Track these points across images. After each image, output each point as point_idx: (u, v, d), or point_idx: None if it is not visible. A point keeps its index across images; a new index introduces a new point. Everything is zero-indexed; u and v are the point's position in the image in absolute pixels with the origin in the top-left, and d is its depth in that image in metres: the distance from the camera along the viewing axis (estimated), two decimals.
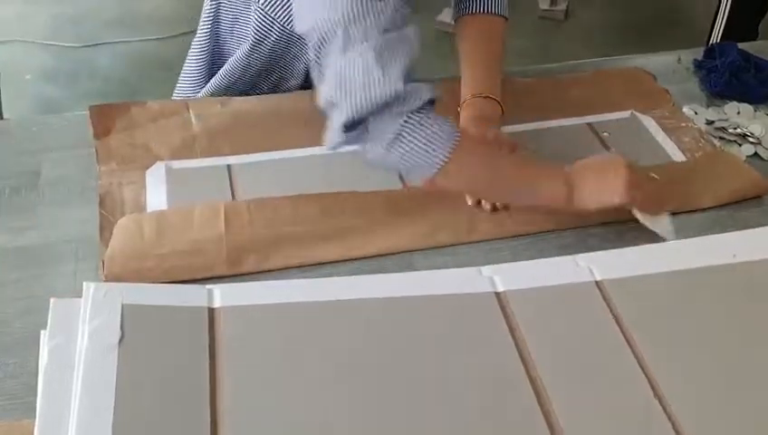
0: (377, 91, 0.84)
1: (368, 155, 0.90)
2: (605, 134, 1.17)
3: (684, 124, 1.20)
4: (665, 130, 1.18)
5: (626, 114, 1.22)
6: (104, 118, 1.10)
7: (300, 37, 1.10)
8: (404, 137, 0.87)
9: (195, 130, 1.11)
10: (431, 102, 0.89)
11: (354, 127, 0.87)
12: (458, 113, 1.12)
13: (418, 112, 0.88)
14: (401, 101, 0.86)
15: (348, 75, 0.85)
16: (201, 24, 1.23)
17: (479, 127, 1.09)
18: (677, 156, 1.13)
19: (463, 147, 0.90)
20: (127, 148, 1.06)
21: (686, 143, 1.16)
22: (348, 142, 0.89)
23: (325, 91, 0.87)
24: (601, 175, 0.97)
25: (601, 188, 0.96)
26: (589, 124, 1.19)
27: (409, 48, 0.88)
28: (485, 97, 1.13)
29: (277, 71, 1.22)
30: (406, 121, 0.87)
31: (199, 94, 1.25)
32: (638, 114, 1.21)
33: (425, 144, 0.88)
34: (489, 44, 1.19)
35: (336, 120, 0.87)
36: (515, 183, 0.97)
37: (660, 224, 0.99)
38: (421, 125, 0.87)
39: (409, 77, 0.87)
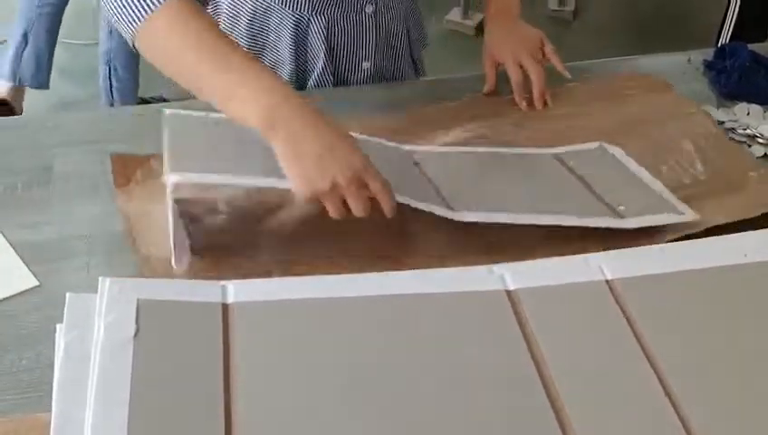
0: None
1: None
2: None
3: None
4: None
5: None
6: (125, 168, 1.07)
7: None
8: None
9: None
10: None
11: None
12: None
13: None
14: None
15: None
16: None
17: (505, 22, 1.27)
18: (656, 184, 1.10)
19: (160, 20, 0.92)
20: (147, 194, 1.04)
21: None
22: None
23: None
24: (317, 157, 0.89)
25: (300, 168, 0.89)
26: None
27: None
28: None
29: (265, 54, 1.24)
30: None
31: None
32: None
33: (121, 5, 0.93)
34: None
35: None
36: (205, 78, 0.93)
37: None
38: None
39: None
